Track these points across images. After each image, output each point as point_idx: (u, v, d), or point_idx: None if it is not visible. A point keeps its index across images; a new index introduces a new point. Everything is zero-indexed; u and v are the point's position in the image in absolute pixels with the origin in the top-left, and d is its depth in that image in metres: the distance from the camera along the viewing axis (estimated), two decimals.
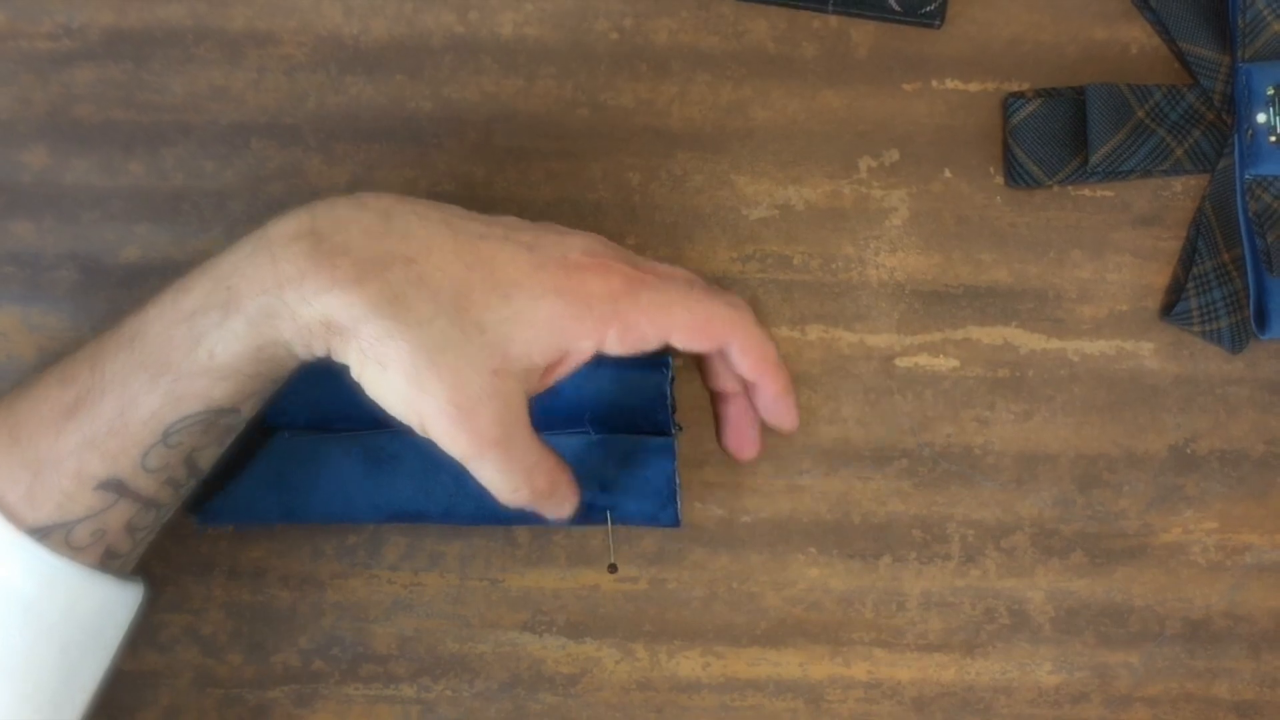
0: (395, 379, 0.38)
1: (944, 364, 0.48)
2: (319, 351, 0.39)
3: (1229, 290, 0.47)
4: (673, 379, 0.45)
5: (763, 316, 0.48)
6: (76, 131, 0.48)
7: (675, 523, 0.45)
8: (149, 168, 0.48)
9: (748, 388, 0.44)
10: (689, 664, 0.48)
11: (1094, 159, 0.46)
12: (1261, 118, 0.47)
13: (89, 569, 0.39)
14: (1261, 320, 0.47)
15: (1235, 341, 0.47)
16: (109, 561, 0.40)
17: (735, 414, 0.45)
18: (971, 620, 0.48)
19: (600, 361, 0.41)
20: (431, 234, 0.39)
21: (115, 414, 0.38)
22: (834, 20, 0.48)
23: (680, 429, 0.45)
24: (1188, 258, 0.48)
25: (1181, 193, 0.48)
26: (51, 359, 0.46)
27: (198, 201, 0.48)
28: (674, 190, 0.48)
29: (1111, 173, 0.47)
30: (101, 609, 0.40)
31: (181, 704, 0.48)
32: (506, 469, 0.40)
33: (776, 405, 0.44)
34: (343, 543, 0.48)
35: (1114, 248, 0.48)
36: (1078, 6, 0.48)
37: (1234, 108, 0.48)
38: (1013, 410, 0.48)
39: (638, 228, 0.48)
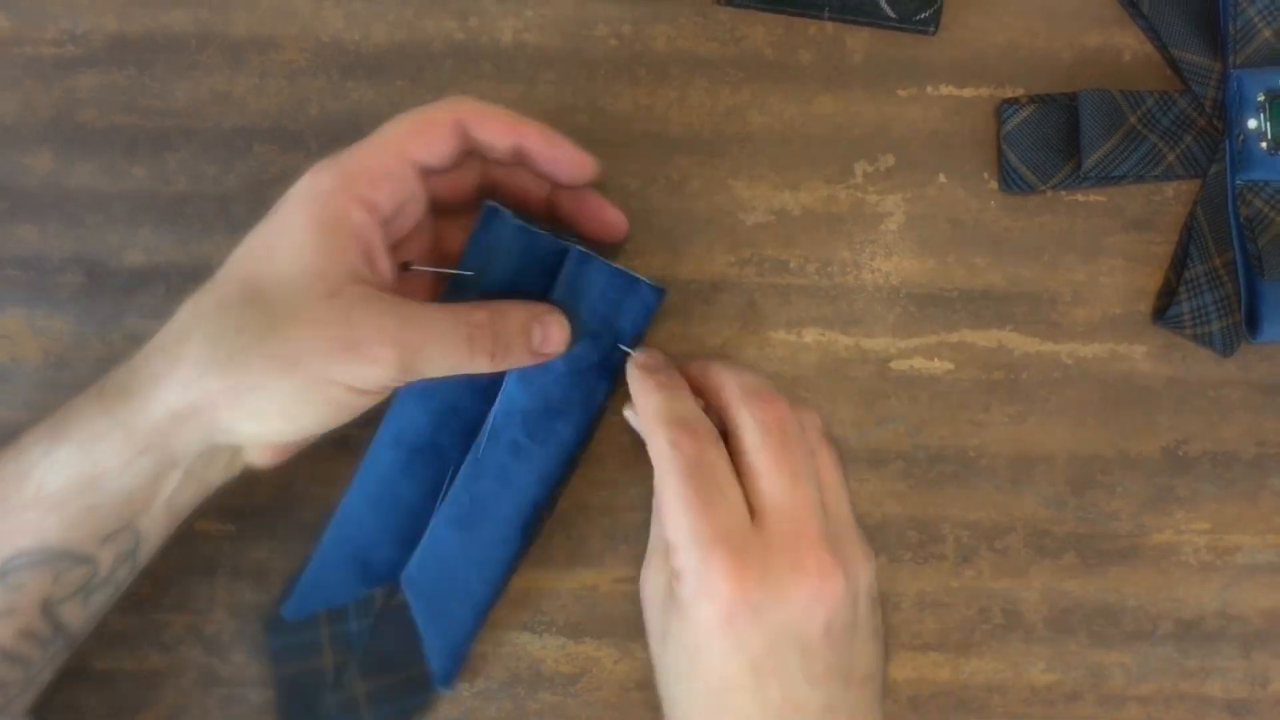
0: (270, 410, 0.38)
1: (939, 366, 0.48)
2: (166, 462, 0.39)
3: (1220, 294, 0.47)
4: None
5: (760, 320, 0.48)
6: (81, 136, 0.48)
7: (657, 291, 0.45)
8: (152, 172, 0.48)
9: (523, 160, 0.43)
10: None
11: (1087, 164, 0.47)
12: (1252, 123, 0.47)
13: None
14: (1252, 324, 0.48)
15: (1226, 344, 0.48)
16: None
17: (568, 205, 0.44)
18: (966, 620, 0.48)
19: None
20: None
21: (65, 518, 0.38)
22: (830, 27, 0.48)
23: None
24: (1180, 262, 0.48)
25: (1173, 198, 0.49)
26: (57, 361, 0.47)
27: (200, 205, 0.48)
28: (672, 195, 0.48)
29: (1104, 178, 0.47)
30: None
31: (185, 703, 0.47)
32: (440, 345, 0.40)
33: (555, 156, 0.42)
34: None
35: (1107, 252, 0.48)
36: (1071, 13, 0.49)
37: (1225, 113, 0.48)
38: (1007, 412, 0.48)
39: (635, 231, 0.48)
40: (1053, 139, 0.47)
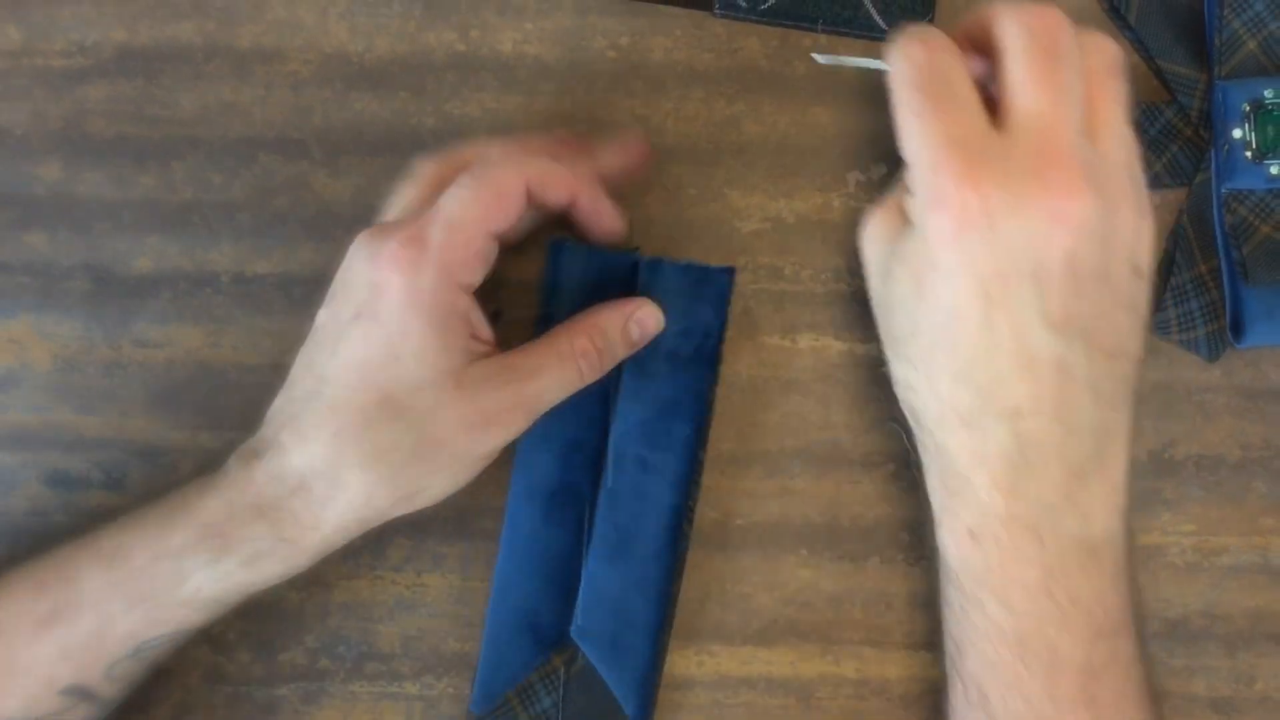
0: (360, 501, 0.41)
1: None
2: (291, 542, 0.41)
3: (1206, 300, 0.48)
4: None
5: (755, 325, 0.49)
6: (89, 145, 0.49)
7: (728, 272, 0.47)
8: (159, 180, 0.49)
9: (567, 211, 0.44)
10: (683, 662, 0.48)
11: None
12: (1237, 133, 0.48)
13: None
14: (1237, 329, 0.48)
15: (1212, 350, 0.48)
16: None
17: (581, 211, 0.44)
18: None
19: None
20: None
21: (91, 631, 0.40)
22: (824, 39, 0.49)
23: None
24: (1166, 269, 0.49)
25: (1160, 206, 0.49)
26: (65, 366, 0.48)
27: (206, 213, 0.49)
28: (669, 203, 0.49)
29: None
30: None
31: (192, 701, 0.48)
32: (557, 384, 0.42)
33: (598, 213, 0.44)
34: (348, 545, 0.47)
35: None
36: None
37: (1211, 123, 0.49)
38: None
39: (634, 238, 0.48)
40: None
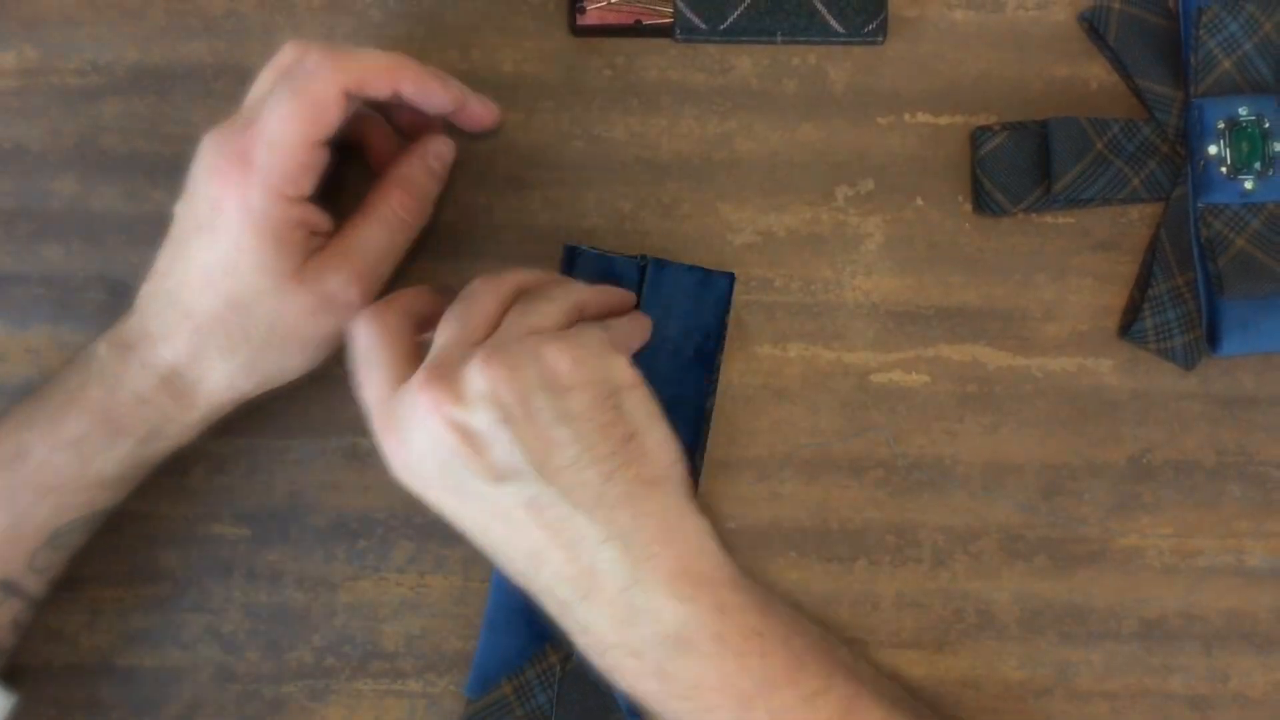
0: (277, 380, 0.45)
1: (916, 380, 0.50)
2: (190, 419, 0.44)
3: (1182, 311, 0.49)
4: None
5: (746, 335, 0.50)
6: (104, 161, 0.50)
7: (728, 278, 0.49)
8: (171, 195, 0.48)
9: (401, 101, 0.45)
10: None
11: (1056, 188, 0.48)
12: (1213, 149, 0.49)
13: None
14: (1213, 339, 0.49)
15: (1188, 358, 0.49)
16: None
17: (412, 98, 0.45)
18: (942, 620, 0.49)
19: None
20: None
21: (7, 527, 0.42)
22: (813, 57, 0.50)
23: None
24: (1144, 280, 0.50)
25: (1138, 220, 0.50)
26: None
27: None
28: (664, 217, 0.50)
29: (1073, 201, 0.49)
30: None
31: (202, 698, 0.49)
32: (381, 248, 0.45)
33: (426, 94, 0.45)
34: (353, 547, 0.49)
35: (1075, 271, 0.50)
36: (1041, 45, 0.50)
37: (1187, 140, 0.49)
38: (981, 423, 0.50)
39: (631, 251, 0.49)
40: (1024, 164, 0.49)
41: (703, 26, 0.49)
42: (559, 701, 0.47)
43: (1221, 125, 0.49)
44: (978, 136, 0.50)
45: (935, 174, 0.50)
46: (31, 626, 0.45)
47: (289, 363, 0.45)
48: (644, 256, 0.49)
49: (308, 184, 0.43)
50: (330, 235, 0.45)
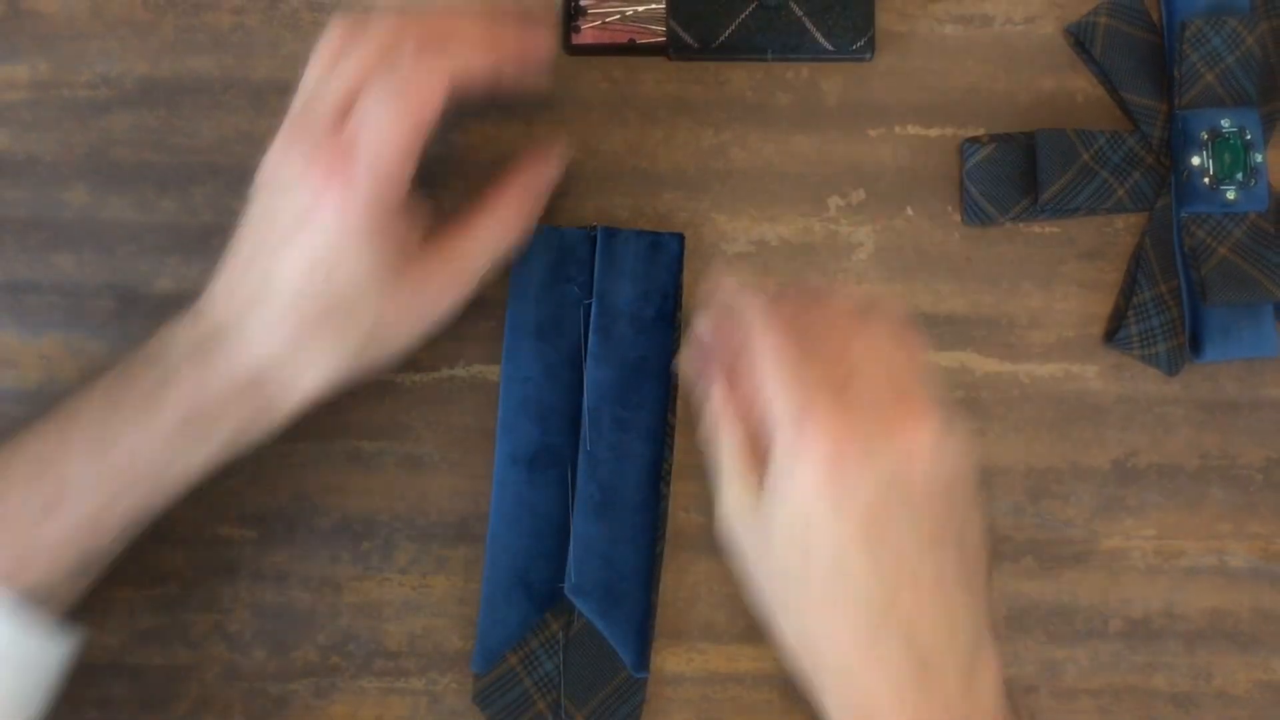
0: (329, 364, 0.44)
1: None
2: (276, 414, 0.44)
3: (1166, 318, 0.50)
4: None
5: None
6: (114, 172, 0.51)
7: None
8: (180, 205, 0.51)
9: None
10: (674, 660, 0.49)
11: (1043, 198, 0.49)
12: (1196, 160, 0.49)
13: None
14: (1196, 345, 0.50)
15: (1172, 364, 0.50)
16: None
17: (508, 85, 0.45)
18: None
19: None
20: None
21: (90, 515, 0.42)
22: (805, 71, 0.51)
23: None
24: (1128, 289, 0.50)
25: (1123, 229, 0.51)
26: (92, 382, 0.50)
27: (225, 236, 0.48)
28: (659, 227, 0.50)
29: (1059, 211, 0.50)
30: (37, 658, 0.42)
31: (210, 696, 0.49)
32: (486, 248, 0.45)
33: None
34: (358, 548, 0.50)
35: (1061, 279, 0.51)
36: (1028, 58, 0.51)
37: (1171, 151, 0.50)
38: (969, 428, 0.50)
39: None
40: (1011, 175, 0.50)
41: (695, 45, 0.50)
42: (565, 665, 0.48)
43: (1204, 137, 0.49)
44: (966, 148, 0.50)
45: (925, 184, 0.51)
46: None
47: (390, 353, 0.45)
48: (593, 226, 0.49)
49: (408, 182, 0.43)
50: (426, 232, 0.44)
